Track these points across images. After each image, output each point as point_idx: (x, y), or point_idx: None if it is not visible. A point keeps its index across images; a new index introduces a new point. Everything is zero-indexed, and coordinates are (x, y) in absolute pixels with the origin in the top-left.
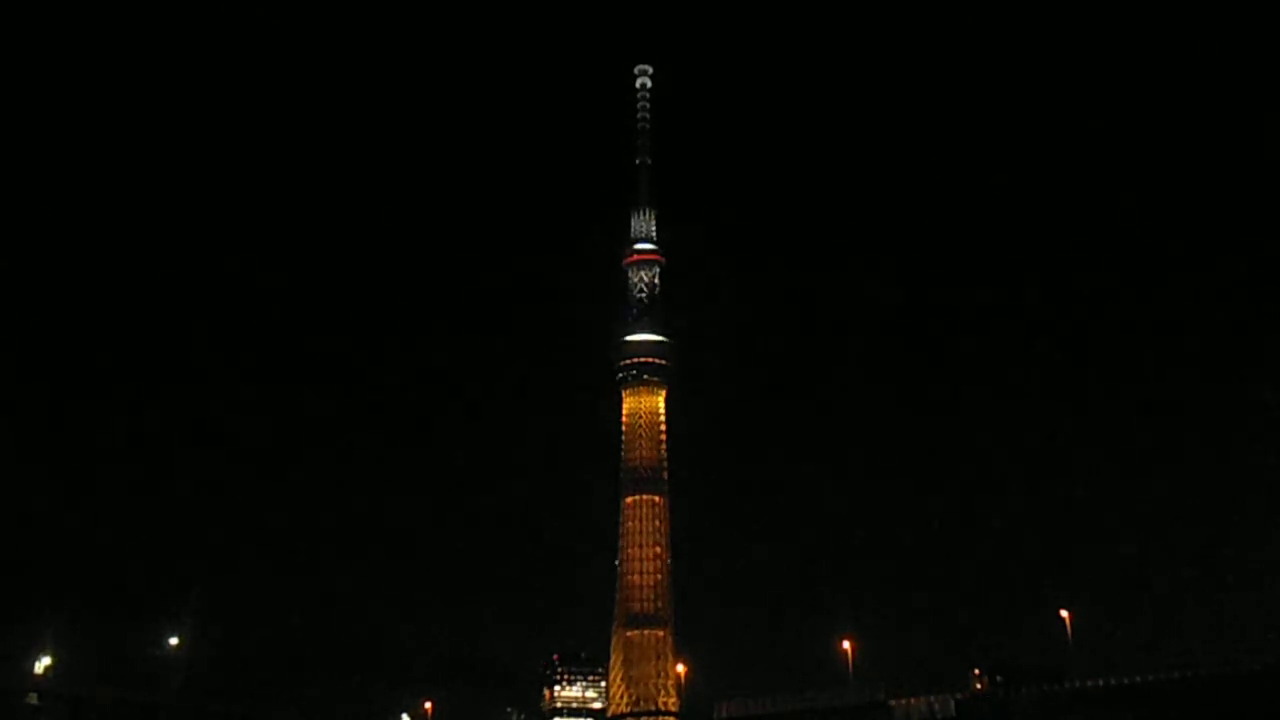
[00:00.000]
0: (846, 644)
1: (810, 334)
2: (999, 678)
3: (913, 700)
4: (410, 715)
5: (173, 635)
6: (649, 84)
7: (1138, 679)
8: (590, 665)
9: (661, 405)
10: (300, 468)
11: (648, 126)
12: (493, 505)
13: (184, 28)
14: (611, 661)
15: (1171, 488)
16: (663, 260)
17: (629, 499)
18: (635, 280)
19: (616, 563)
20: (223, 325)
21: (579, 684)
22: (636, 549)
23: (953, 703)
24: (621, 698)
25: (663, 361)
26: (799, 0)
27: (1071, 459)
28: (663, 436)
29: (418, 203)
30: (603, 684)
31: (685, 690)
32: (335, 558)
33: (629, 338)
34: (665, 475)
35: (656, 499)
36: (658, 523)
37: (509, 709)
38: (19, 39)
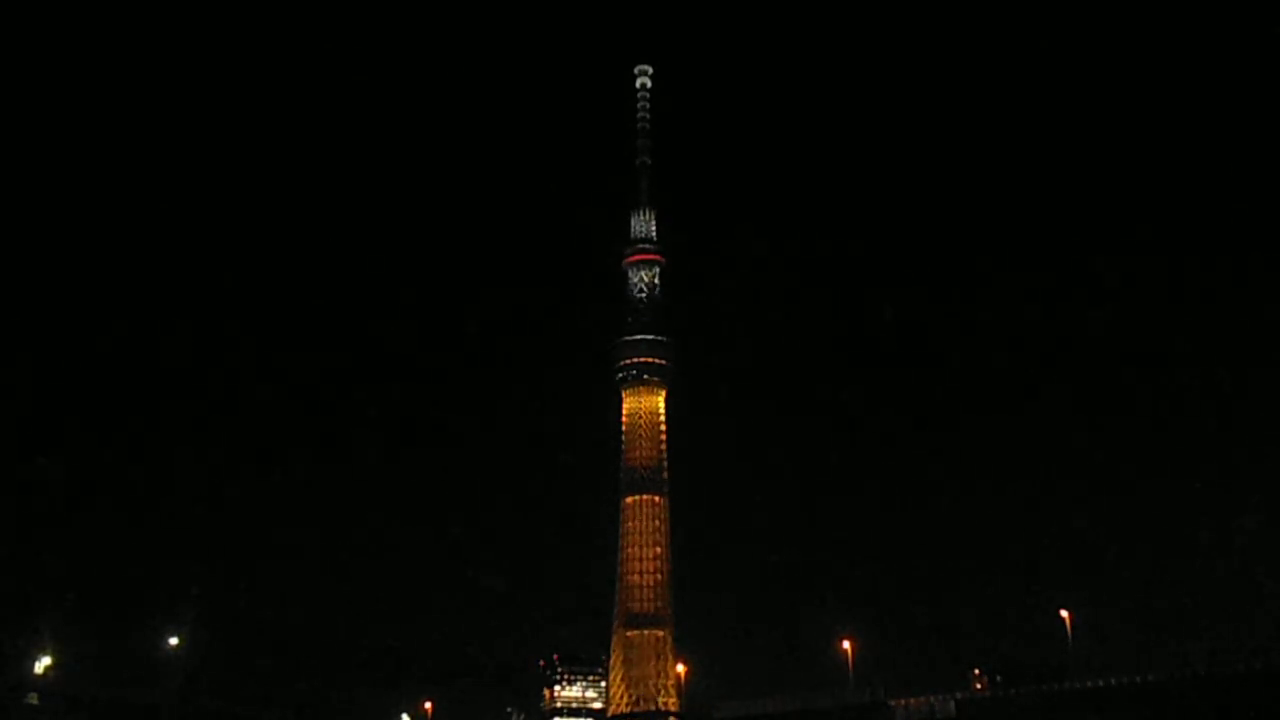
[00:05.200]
0: (846, 644)
1: (810, 334)
2: (999, 678)
3: (913, 700)
4: (410, 715)
5: (173, 635)
6: (649, 84)
7: (1138, 679)
8: (590, 665)
9: (661, 405)
10: (300, 467)
11: (648, 126)
12: (493, 505)
13: (183, 28)
14: (611, 661)
15: (1172, 488)
16: (663, 260)
17: (629, 499)
18: (635, 280)
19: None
20: (222, 327)
21: (579, 684)
22: (636, 549)
23: (953, 703)
24: (621, 698)
25: (663, 361)
26: (799, 0)
27: (1072, 459)
28: (663, 436)
29: (417, 202)
30: (603, 684)
31: (685, 690)
32: (335, 558)
33: (629, 338)
34: (665, 475)
35: (656, 499)
36: (658, 523)
37: (509, 709)
38: (18, 39)
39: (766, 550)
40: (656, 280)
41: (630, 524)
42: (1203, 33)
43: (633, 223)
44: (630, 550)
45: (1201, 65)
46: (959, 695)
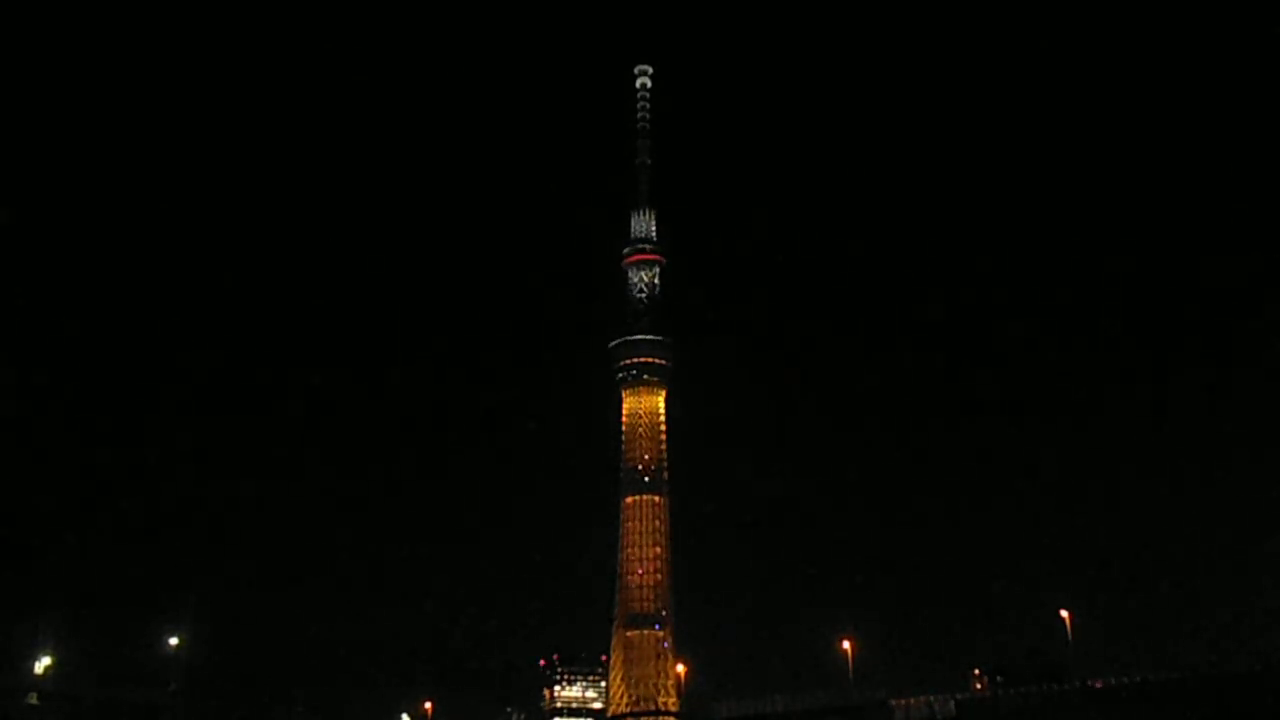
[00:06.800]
0: (846, 644)
1: (810, 334)
2: (999, 678)
3: (913, 700)
4: (410, 715)
5: (173, 635)
6: (649, 84)
7: (1138, 679)
8: (590, 665)
9: (661, 405)
10: (301, 468)
11: (648, 126)
12: (492, 505)
13: (184, 28)
14: (611, 661)
15: (1173, 489)
16: (663, 260)
17: (629, 499)
18: (635, 280)
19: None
20: (223, 327)
21: (579, 684)
22: (636, 549)
23: (953, 703)
24: (621, 698)
25: (663, 361)
26: (800, 0)
27: (1073, 460)
28: (663, 436)
29: (417, 203)
30: (603, 684)
31: (685, 690)
32: (335, 558)
33: (629, 338)
34: (665, 475)
35: (656, 499)
36: (658, 523)
37: (509, 709)
38: (19, 39)
39: (766, 550)
40: (656, 280)
41: (630, 524)
42: (1203, 33)
43: (633, 223)
44: (630, 550)
45: (1202, 65)
46: (959, 695)
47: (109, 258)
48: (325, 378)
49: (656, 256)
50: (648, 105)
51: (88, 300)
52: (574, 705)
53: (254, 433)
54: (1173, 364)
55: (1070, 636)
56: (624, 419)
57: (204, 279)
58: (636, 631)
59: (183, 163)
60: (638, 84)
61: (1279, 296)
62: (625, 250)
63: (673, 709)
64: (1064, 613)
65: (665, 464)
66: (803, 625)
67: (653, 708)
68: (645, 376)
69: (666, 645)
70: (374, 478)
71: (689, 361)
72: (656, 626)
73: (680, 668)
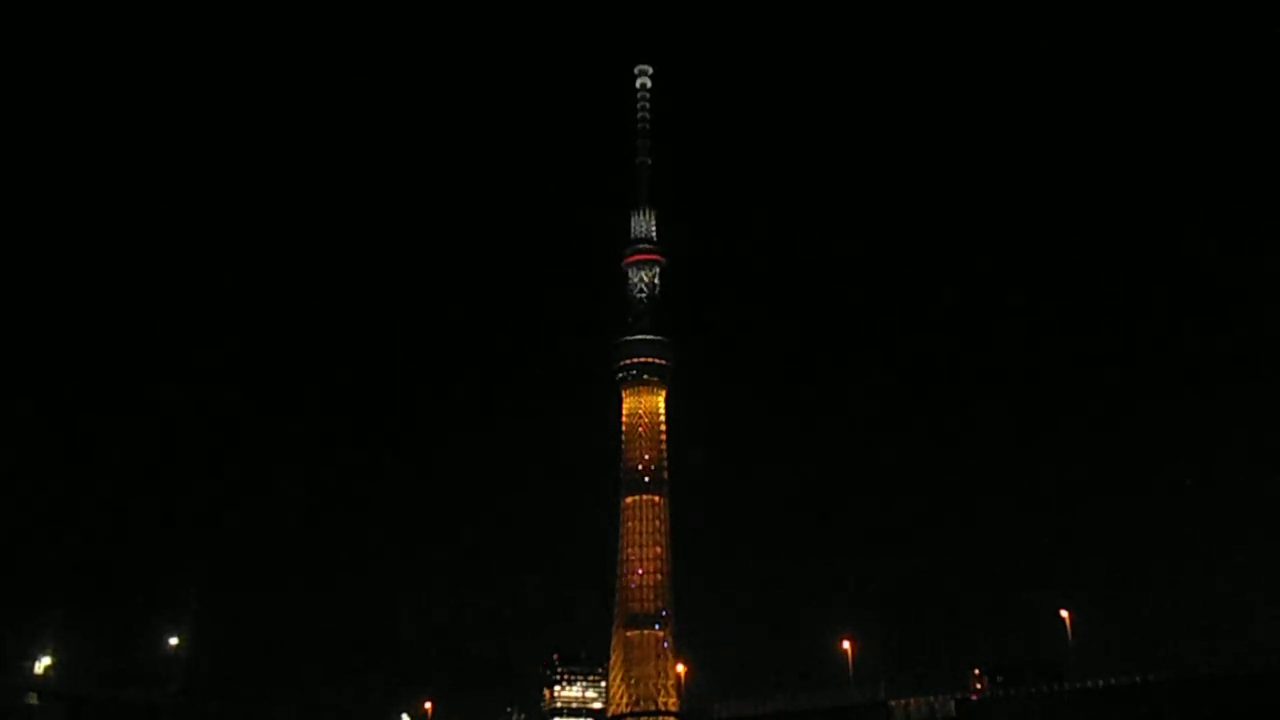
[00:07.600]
0: (846, 644)
1: (810, 334)
2: (999, 678)
3: (913, 700)
4: (410, 715)
5: (173, 635)
6: (649, 84)
7: (1138, 679)
8: (590, 665)
9: (661, 405)
10: (300, 468)
11: (648, 126)
12: (492, 505)
13: (184, 28)
14: (611, 661)
15: (1172, 489)
16: (663, 260)
17: (629, 499)
18: (635, 280)
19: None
20: (222, 322)
21: (579, 684)
22: (636, 549)
23: (953, 703)
24: (621, 698)
25: (663, 361)
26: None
27: (1073, 459)
28: (663, 436)
29: (417, 202)
30: (603, 684)
31: (685, 690)
32: (335, 558)
33: (629, 338)
34: (665, 475)
35: (656, 499)
36: (658, 523)
37: (509, 709)
38: (19, 39)
39: (766, 550)
40: (656, 280)
41: (630, 524)
42: (1203, 33)
43: (633, 223)
44: (630, 550)
45: (1202, 65)
46: (959, 695)
47: (109, 257)
48: (326, 377)
49: (656, 256)
50: (648, 105)
51: (88, 299)
52: (574, 705)
53: (254, 432)
54: (1173, 363)
55: (1070, 636)
56: (624, 419)
57: (204, 278)
58: (636, 631)
59: (183, 163)
60: (638, 84)
61: (1279, 296)
62: (625, 250)
63: (673, 709)
64: (1064, 613)
65: (665, 464)
66: (803, 625)
67: (653, 708)
68: (645, 376)
69: (666, 645)
70: (374, 477)
71: (689, 361)
72: (656, 626)
73: (680, 668)
